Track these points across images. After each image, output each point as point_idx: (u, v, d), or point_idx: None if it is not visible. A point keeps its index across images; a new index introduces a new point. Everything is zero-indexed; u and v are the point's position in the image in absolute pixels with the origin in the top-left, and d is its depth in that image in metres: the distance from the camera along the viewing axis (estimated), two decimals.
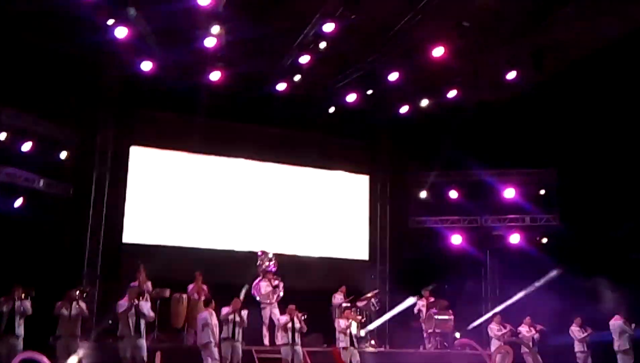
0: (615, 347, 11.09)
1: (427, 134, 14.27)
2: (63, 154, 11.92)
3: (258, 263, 11.31)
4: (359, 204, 14.91)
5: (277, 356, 9.92)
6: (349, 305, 11.64)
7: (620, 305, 11.32)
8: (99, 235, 12.11)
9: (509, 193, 14.42)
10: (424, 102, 13.30)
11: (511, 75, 12.31)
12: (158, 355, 9.07)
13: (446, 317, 12.28)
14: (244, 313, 9.61)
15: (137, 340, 8.71)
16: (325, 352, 10.81)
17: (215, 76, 11.87)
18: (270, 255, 11.36)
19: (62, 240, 11.53)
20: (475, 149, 13.83)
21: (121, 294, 9.09)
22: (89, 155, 12.32)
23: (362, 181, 15.07)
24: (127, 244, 12.46)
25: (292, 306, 10.05)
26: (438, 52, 11.50)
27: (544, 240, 14.38)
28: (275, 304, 10.99)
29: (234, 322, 9.44)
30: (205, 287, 10.70)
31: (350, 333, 10.45)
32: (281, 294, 11.12)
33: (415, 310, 12.63)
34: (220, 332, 9.39)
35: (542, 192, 14.46)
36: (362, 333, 11.35)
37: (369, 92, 13.07)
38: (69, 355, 8.58)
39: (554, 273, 12.56)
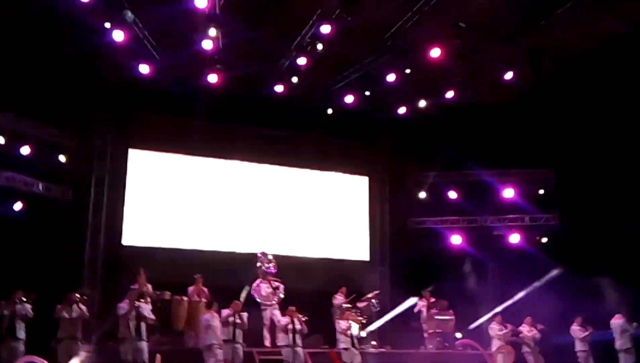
0: (617, 346, 11.10)
1: (426, 135, 14.29)
2: (62, 158, 11.95)
3: (258, 265, 11.30)
4: (358, 205, 14.93)
5: (278, 358, 9.90)
6: (349, 306, 11.63)
7: (621, 304, 11.33)
8: (99, 238, 12.14)
9: (508, 193, 14.46)
10: (422, 103, 13.34)
11: (508, 75, 12.34)
12: (158, 357, 9.06)
13: (447, 317, 12.26)
14: (244, 315, 9.61)
15: (138, 342, 8.69)
16: (326, 354, 10.79)
17: (213, 78, 11.91)
18: (270, 257, 11.35)
19: (61, 243, 11.53)
20: (474, 150, 13.86)
21: (121, 297, 9.07)
22: (87, 158, 12.35)
23: (361, 182, 15.10)
24: (127, 247, 12.46)
25: (292, 308, 10.05)
26: (435, 53, 11.54)
27: (544, 240, 14.40)
28: (276, 306, 10.97)
29: (234, 324, 9.44)
30: (205, 289, 10.70)
31: (351, 334, 10.45)
32: (282, 295, 11.10)
33: (416, 311, 12.62)
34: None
35: (541, 192, 14.48)
36: (363, 334, 11.33)
37: (367, 93, 13.11)
38: (70, 358, 8.58)
39: (554, 273, 12.57)
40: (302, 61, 11.59)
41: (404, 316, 12.58)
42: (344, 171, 14.87)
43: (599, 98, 12.52)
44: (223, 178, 13.64)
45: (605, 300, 11.59)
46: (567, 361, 11.63)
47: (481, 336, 12.35)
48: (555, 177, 14.40)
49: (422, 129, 14.23)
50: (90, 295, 10.26)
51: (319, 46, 11.04)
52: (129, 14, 10.17)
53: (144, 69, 11.50)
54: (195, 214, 13.12)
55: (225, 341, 9.39)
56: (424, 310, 12.49)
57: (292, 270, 11.98)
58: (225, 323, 9.40)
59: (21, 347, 8.61)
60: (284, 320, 10.01)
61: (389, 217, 14.83)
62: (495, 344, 11.61)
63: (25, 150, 11.41)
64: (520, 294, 12.70)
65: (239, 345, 9.50)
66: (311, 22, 10.79)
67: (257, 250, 11.76)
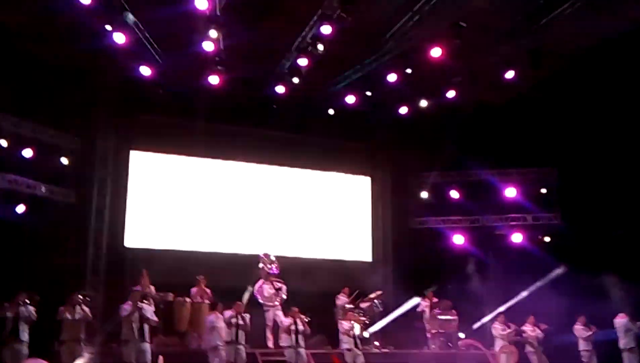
0: (621, 345, 11.08)
1: (428, 135, 14.29)
2: (64, 160, 11.97)
3: (260, 266, 11.31)
4: (361, 205, 14.92)
5: (281, 359, 9.91)
6: (352, 306, 11.62)
7: (624, 303, 11.30)
8: (101, 239, 12.15)
9: (510, 192, 14.43)
10: (423, 103, 13.33)
11: (510, 74, 12.32)
12: (161, 359, 9.08)
13: (450, 317, 12.25)
14: (247, 316, 9.61)
15: (140, 344, 8.71)
16: (329, 354, 10.79)
17: (214, 79, 11.91)
18: (272, 258, 11.35)
19: (64, 246, 11.55)
20: (475, 149, 13.85)
21: (124, 298, 9.09)
22: (89, 161, 12.37)
23: (363, 183, 15.10)
24: (130, 248, 12.47)
25: (294, 309, 10.05)
26: (436, 52, 11.53)
27: (546, 239, 14.37)
28: (279, 307, 10.97)
29: (237, 325, 9.44)
30: (208, 291, 10.72)
31: (354, 334, 10.44)
32: (284, 297, 11.11)
33: (419, 311, 12.60)
34: None
35: (544, 191, 14.46)
36: (366, 334, 11.32)
37: (368, 93, 13.11)
38: (73, 359, 8.60)
39: (558, 271, 12.56)
40: (303, 61, 11.59)
41: (406, 316, 12.56)
42: (346, 172, 14.87)
43: (600, 96, 12.50)
44: (225, 179, 13.64)
45: (608, 299, 11.57)
46: (571, 361, 11.60)
47: (484, 336, 12.34)
48: (558, 176, 14.38)
49: (424, 129, 14.23)
50: (93, 297, 10.26)
51: (320, 47, 11.03)
52: (130, 16, 10.19)
53: (145, 71, 11.52)
54: (197, 215, 13.13)
55: (227, 342, 9.40)
56: (427, 310, 12.47)
57: (294, 270, 11.98)
58: (228, 324, 9.41)
59: (24, 349, 8.59)
60: (286, 321, 10.01)
61: (391, 217, 14.82)
62: (499, 344, 11.60)
63: (27, 153, 11.42)
64: (523, 293, 12.69)
65: (241, 347, 9.51)
66: (311, 22, 10.79)
67: (259, 251, 11.78)
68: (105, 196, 12.40)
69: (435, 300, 12.56)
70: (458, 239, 14.55)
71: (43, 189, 11.59)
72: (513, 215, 14.45)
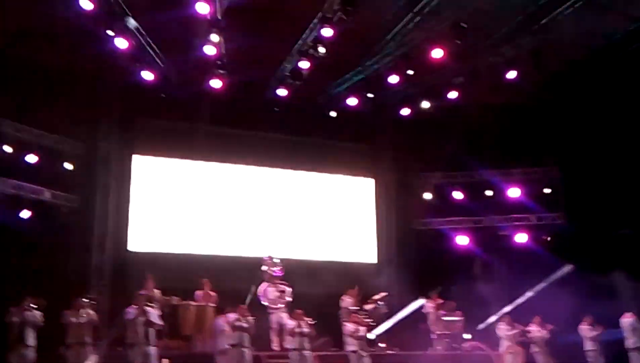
0: (627, 345, 11.02)
1: (430, 136, 14.28)
2: (68, 166, 12.02)
3: (264, 269, 11.31)
4: (365, 207, 14.92)
5: (286, 361, 9.89)
6: (357, 308, 11.60)
7: (631, 302, 11.26)
8: (105, 244, 12.19)
9: (514, 192, 14.40)
10: (425, 104, 13.33)
11: (511, 75, 12.31)
12: (166, 362, 9.08)
13: (455, 318, 12.23)
14: (250, 319, 9.61)
15: (146, 347, 8.71)
16: (334, 356, 10.78)
17: (216, 83, 11.95)
18: (276, 260, 11.36)
19: (69, 250, 11.59)
20: (478, 150, 13.85)
21: (129, 302, 9.10)
22: (93, 165, 12.42)
23: (367, 184, 15.09)
24: (133, 252, 12.51)
25: (299, 311, 10.04)
26: (437, 53, 11.54)
27: (550, 239, 14.33)
28: (284, 309, 10.97)
29: (241, 328, 9.45)
30: (213, 294, 10.72)
31: (359, 336, 10.42)
32: (289, 299, 11.10)
33: (424, 312, 12.58)
34: None
35: (547, 191, 14.42)
36: (372, 336, 11.31)
37: (370, 95, 13.12)
38: None
39: (564, 270, 12.52)
40: (304, 64, 11.62)
41: (412, 318, 12.54)
42: (350, 174, 14.87)
43: (604, 96, 12.49)
44: (228, 182, 13.67)
45: (614, 299, 11.52)
46: (577, 361, 11.55)
47: (490, 337, 12.30)
48: (561, 175, 14.34)
49: (426, 130, 14.22)
50: (98, 301, 10.29)
51: (321, 49, 11.06)
52: (132, 21, 10.24)
53: (148, 75, 11.56)
54: (201, 219, 13.15)
55: (232, 345, 9.39)
56: (432, 311, 12.45)
57: (299, 273, 12.00)
58: (232, 327, 9.41)
59: (31, 353, 8.63)
60: (291, 324, 10.00)
61: (395, 219, 14.81)
62: (504, 345, 11.54)
63: (31, 158, 11.50)
64: (529, 294, 12.64)
65: (246, 350, 9.49)
66: (312, 25, 10.82)
67: (264, 253, 11.79)
68: (109, 201, 12.43)
69: (440, 301, 12.52)
70: (462, 240, 14.51)
71: (47, 194, 11.64)
72: (517, 215, 14.42)
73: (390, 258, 14.56)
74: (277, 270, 11.28)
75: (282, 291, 11.06)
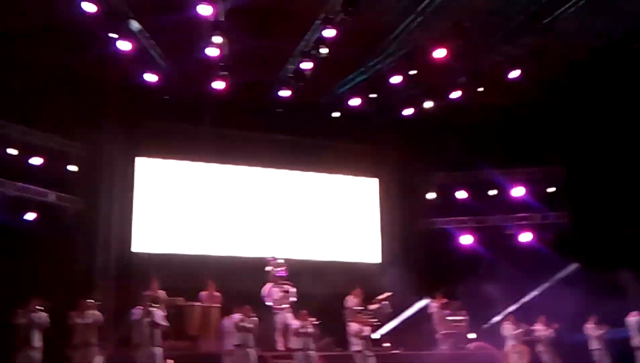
0: (633, 344, 10.99)
1: (433, 136, 14.28)
2: (73, 168, 12.08)
3: (268, 269, 11.33)
4: (369, 207, 14.93)
5: (291, 361, 9.90)
6: (361, 308, 11.60)
7: (637, 301, 11.22)
8: (110, 245, 12.23)
9: (518, 191, 14.39)
10: (428, 104, 13.33)
11: (514, 74, 12.30)
12: None
13: (460, 318, 12.23)
14: (254, 319, 9.63)
15: (151, 348, 8.74)
16: (339, 356, 10.78)
17: (219, 85, 11.98)
18: (280, 261, 11.37)
19: (74, 252, 11.65)
20: (481, 149, 13.83)
21: (134, 303, 9.14)
22: (97, 168, 12.47)
23: (371, 185, 15.11)
24: (138, 253, 12.55)
25: (304, 312, 10.05)
26: (440, 53, 11.54)
27: (555, 238, 14.30)
28: (288, 309, 10.98)
29: (245, 329, 9.47)
30: (218, 294, 10.74)
31: (364, 336, 10.42)
32: (293, 299, 11.12)
33: (429, 312, 12.57)
34: None
35: (551, 190, 14.39)
36: (376, 335, 11.31)
37: (373, 95, 13.13)
38: None
39: (569, 269, 12.50)
40: (307, 65, 11.65)
41: (416, 317, 12.54)
42: (354, 174, 14.90)
43: (607, 94, 12.47)
44: (232, 183, 13.71)
45: (620, 298, 11.49)
46: (583, 360, 11.52)
47: (495, 336, 12.27)
48: (565, 174, 14.31)
49: (430, 130, 14.22)
50: (103, 302, 10.32)
51: (324, 50, 11.08)
52: (135, 24, 10.28)
53: (151, 77, 11.61)
54: (205, 220, 13.19)
55: (237, 346, 9.42)
56: (437, 311, 12.44)
57: (304, 273, 12.01)
58: (237, 328, 9.43)
59: (37, 355, 8.66)
60: (296, 324, 10.01)
61: (400, 219, 14.81)
62: (510, 344, 11.53)
63: (36, 161, 11.57)
64: (533, 293, 12.62)
65: (251, 350, 9.51)
66: (315, 26, 10.84)
67: (269, 254, 11.81)
68: (113, 202, 12.49)
69: (445, 301, 12.52)
70: (466, 239, 14.51)
71: (52, 196, 11.70)
72: (521, 214, 14.41)
73: (394, 258, 14.54)
74: (281, 270, 11.30)
75: (287, 292, 11.07)
